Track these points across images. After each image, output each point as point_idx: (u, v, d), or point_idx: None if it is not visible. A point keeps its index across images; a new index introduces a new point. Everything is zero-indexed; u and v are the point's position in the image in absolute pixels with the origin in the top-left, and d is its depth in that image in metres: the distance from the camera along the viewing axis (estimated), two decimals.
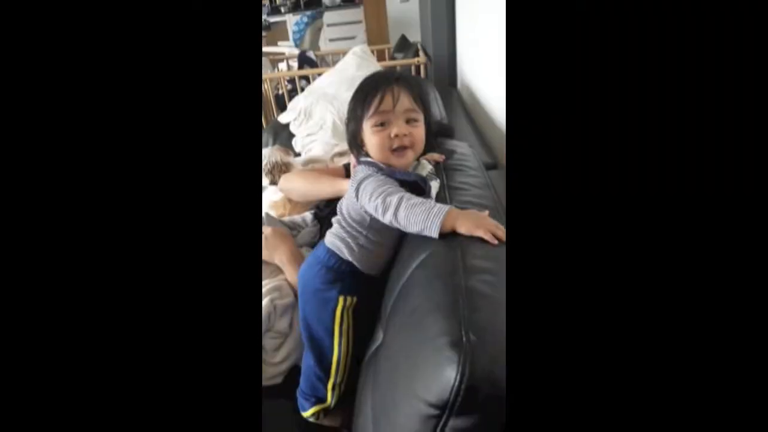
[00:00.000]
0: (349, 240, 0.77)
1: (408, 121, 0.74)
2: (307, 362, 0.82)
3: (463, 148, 0.97)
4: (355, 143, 0.79)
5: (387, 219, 0.66)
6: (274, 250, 0.97)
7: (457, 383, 0.42)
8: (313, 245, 1.08)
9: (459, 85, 2.17)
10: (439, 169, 0.85)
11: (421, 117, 0.76)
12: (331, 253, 0.79)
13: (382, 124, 0.74)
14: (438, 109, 1.29)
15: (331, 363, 0.79)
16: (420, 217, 0.62)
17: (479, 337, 0.45)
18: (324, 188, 1.06)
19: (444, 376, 0.43)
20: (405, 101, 0.74)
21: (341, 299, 0.78)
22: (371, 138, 0.74)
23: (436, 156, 0.90)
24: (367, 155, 0.77)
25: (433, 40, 2.15)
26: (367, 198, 0.69)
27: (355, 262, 0.77)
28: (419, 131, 0.75)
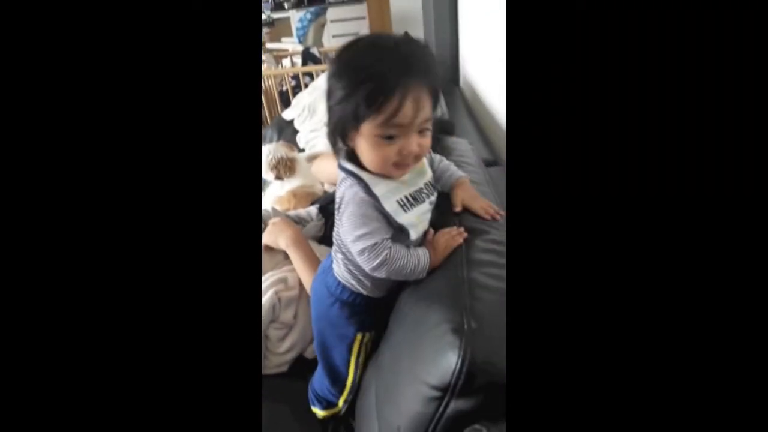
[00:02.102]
0: (355, 271, 0.68)
1: (422, 132, 0.57)
2: (321, 375, 0.81)
3: (462, 144, 0.99)
4: (340, 136, 0.59)
5: (369, 269, 0.61)
6: (279, 234, 0.99)
7: (458, 367, 0.45)
8: (318, 239, 1.10)
9: (461, 83, 2.19)
10: None
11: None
12: (342, 287, 0.71)
13: (390, 137, 0.55)
14: (440, 106, 1.31)
15: (345, 386, 0.78)
16: (404, 273, 0.61)
17: (480, 324, 0.48)
18: None
19: (446, 360, 0.46)
20: (426, 108, 0.55)
21: (359, 336, 0.74)
22: (370, 150, 0.57)
23: None
24: (351, 157, 0.61)
25: (436, 38, 2.16)
26: (350, 236, 0.61)
27: (367, 294, 0.70)
28: (428, 139, 0.59)
